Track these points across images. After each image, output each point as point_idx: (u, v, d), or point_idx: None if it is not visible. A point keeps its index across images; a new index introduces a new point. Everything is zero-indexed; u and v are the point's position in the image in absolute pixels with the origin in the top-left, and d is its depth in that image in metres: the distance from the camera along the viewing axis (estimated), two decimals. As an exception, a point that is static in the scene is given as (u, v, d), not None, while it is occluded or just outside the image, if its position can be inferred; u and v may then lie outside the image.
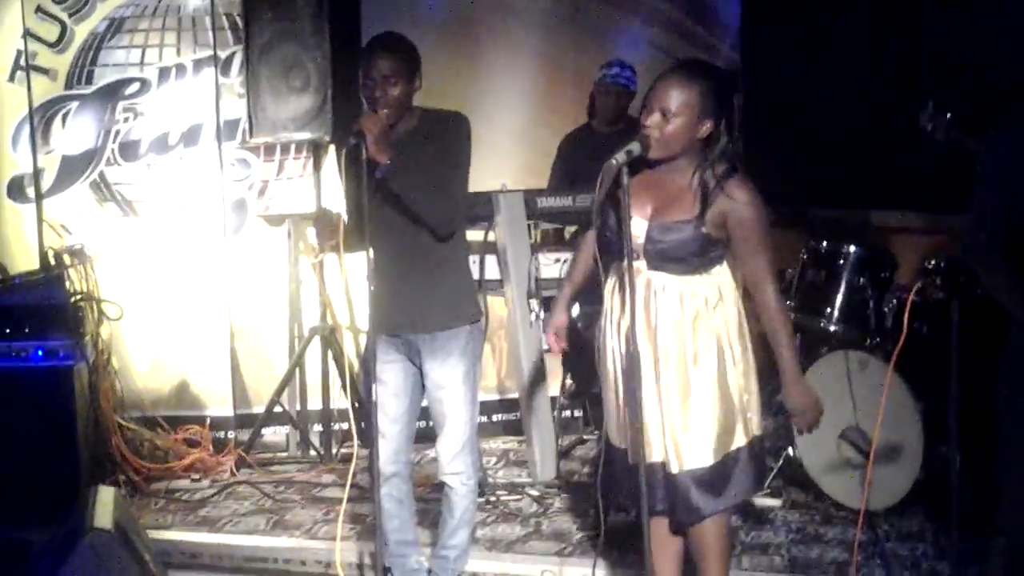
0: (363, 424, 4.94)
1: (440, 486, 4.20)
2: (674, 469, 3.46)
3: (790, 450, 5.32)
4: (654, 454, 3.47)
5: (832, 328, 5.28)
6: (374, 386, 3.73)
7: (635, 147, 3.30)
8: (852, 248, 5.28)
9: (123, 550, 3.78)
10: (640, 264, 3.45)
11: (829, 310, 5.27)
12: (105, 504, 3.98)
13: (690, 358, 3.44)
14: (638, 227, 3.43)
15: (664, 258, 3.43)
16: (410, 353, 4.01)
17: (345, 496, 4.01)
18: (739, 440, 3.49)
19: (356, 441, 4.22)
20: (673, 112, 3.34)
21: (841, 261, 5.28)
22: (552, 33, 6.64)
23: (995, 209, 3.43)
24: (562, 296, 3.90)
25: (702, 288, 3.46)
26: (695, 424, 3.45)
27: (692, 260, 3.44)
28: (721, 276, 3.51)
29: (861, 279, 5.21)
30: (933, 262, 4.29)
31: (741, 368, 3.50)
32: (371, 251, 3.83)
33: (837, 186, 6.47)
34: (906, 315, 3.51)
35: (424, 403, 4.14)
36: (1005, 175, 3.40)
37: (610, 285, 3.56)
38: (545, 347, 5.41)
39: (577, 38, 6.66)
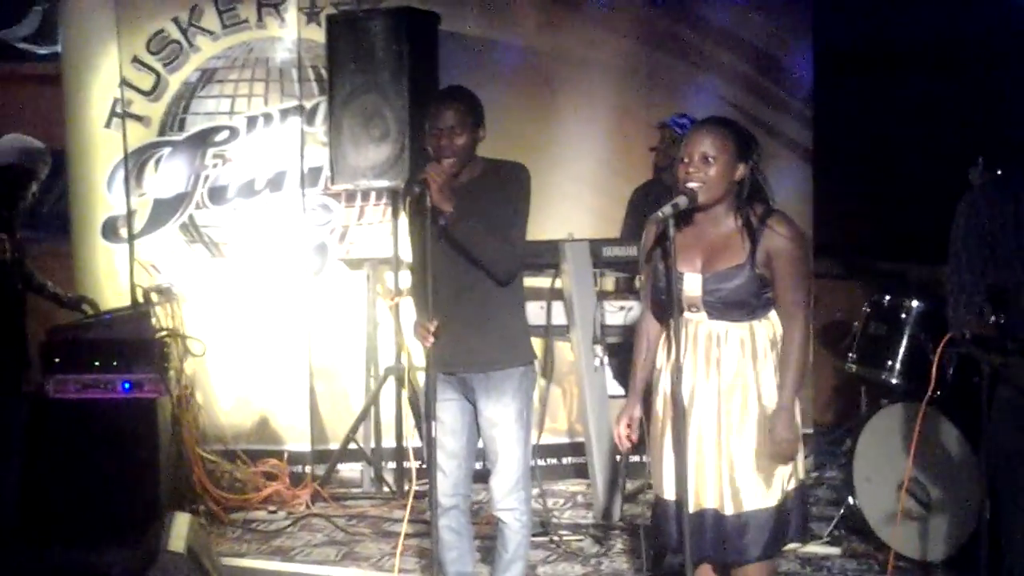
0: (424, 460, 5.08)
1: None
2: (729, 511, 3.51)
3: (851, 500, 5.36)
4: (707, 499, 3.53)
5: (893, 381, 5.36)
6: (433, 422, 3.86)
7: (682, 200, 3.42)
8: (915, 303, 5.35)
9: (194, 573, 3.96)
10: (701, 316, 3.54)
11: (891, 363, 5.35)
12: (180, 529, 4.16)
13: (753, 402, 3.51)
14: (693, 282, 3.52)
15: (726, 305, 3.51)
16: (465, 391, 4.12)
17: (403, 530, 4.15)
18: (793, 483, 3.55)
19: (415, 478, 4.34)
20: (713, 156, 3.47)
21: (904, 315, 5.36)
22: (625, 86, 6.72)
23: (973, 274, 3.51)
24: (634, 387, 3.78)
25: (761, 333, 3.54)
26: (759, 466, 3.50)
27: (752, 302, 3.52)
28: (775, 321, 3.59)
29: (923, 334, 5.26)
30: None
31: (795, 410, 3.58)
32: (431, 291, 3.92)
33: (903, 239, 6.49)
34: (934, 368, 3.58)
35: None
36: (983, 234, 3.49)
37: (664, 338, 3.66)
38: (610, 393, 5.53)
39: (650, 91, 6.72)
